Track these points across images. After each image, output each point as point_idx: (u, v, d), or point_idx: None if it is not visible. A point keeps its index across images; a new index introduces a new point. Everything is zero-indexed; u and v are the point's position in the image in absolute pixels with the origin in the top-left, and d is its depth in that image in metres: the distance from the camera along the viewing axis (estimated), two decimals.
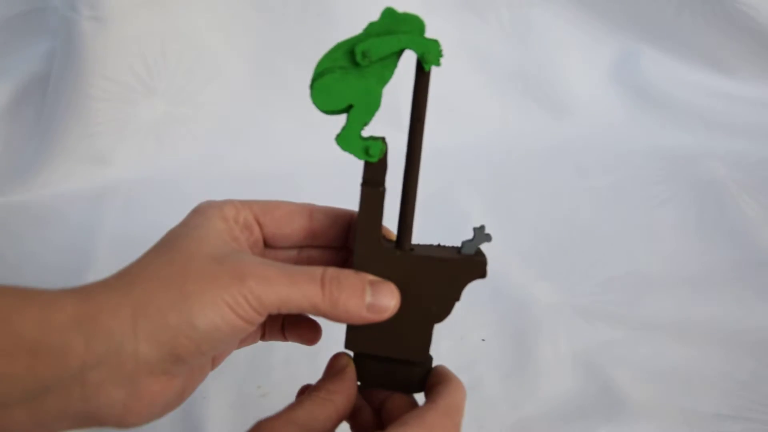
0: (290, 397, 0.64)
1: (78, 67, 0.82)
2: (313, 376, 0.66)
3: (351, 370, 0.42)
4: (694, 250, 0.83)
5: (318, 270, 0.36)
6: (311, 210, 0.43)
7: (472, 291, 0.76)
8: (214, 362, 0.42)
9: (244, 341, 0.44)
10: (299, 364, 0.68)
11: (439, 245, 0.41)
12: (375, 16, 0.36)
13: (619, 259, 0.81)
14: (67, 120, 0.86)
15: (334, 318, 0.37)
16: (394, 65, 0.37)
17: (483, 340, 0.71)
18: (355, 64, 0.36)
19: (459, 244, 0.41)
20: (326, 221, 0.42)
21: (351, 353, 0.43)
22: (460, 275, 0.40)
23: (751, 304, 0.74)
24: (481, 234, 0.40)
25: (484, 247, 0.41)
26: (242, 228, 0.40)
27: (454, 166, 0.97)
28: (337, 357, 0.43)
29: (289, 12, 0.94)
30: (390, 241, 0.41)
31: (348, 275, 0.37)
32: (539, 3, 1.05)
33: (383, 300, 0.38)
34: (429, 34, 0.36)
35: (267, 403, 0.64)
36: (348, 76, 0.36)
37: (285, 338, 0.46)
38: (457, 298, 0.41)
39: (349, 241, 0.43)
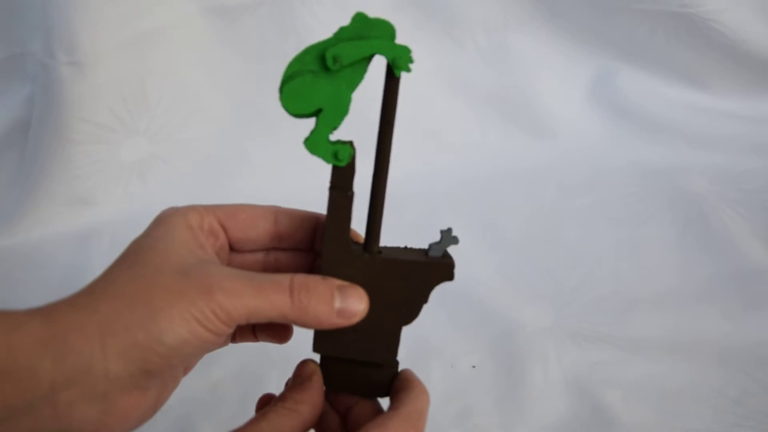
0: None
1: (58, 112, 0.83)
2: None
3: (317, 379, 0.42)
4: (678, 266, 0.83)
5: (286, 278, 0.36)
6: (276, 213, 0.42)
7: (461, 317, 0.76)
8: (186, 369, 0.42)
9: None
10: None
11: (406, 247, 0.42)
12: None
13: (604, 278, 0.82)
14: (50, 164, 0.86)
15: (304, 325, 0.37)
16: (365, 70, 0.37)
17: (473, 367, 0.71)
18: (326, 68, 0.36)
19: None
20: (291, 224, 0.42)
21: (317, 360, 0.43)
22: (427, 278, 0.40)
23: (738, 318, 0.75)
24: (448, 236, 0.40)
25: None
26: (207, 234, 0.40)
27: (438, 191, 0.98)
28: (303, 364, 0.43)
29: (268, 45, 0.94)
30: (358, 243, 0.41)
31: (316, 282, 0.37)
32: (514, 26, 1.06)
33: (352, 304, 0.38)
34: None
35: None
36: (318, 80, 0.36)
37: (256, 339, 0.45)
38: (425, 301, 0.41)
39: (316, 243, 0.43)
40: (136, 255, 0.36)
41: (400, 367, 0.43)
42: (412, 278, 0.40)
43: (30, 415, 0.31)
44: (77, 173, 0.87)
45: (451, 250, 0.41)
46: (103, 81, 0.84)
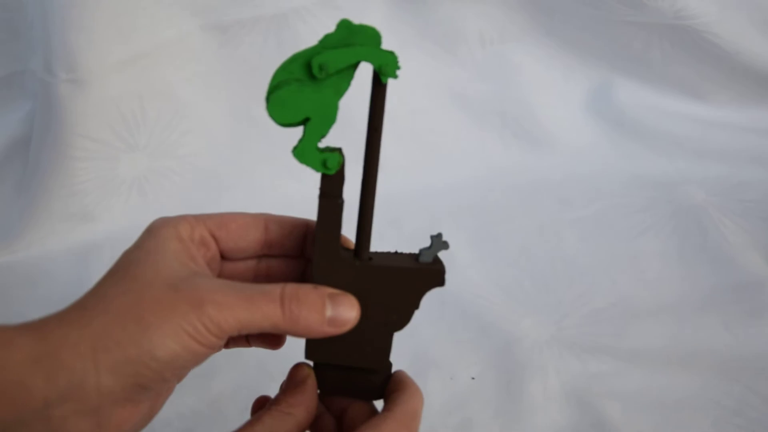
0: None
1: (58, 129, 0.83)
2: None
3: (311, 382, 0.42)
4: (677, 277, 0.83)
5: (276, 288, 0.36)
6: (266, 221, 0.42)
7: (460, 330, 0.77)
8: (179, 378, 0.41)
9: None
10: None
11: (396, 252, 0.41)
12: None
13: (604, 290, 0.82)
14: (50, 180, 0.86)
15: (295, 334, 0.37)
16: (351, 77, 0.37)
17: (473, 378, 0.71)
18: (312, 76, 0.36)
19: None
20: (281, 232, 0.42)
21: (311, 363, 0.43)
22: (418, 284, 0.40)
23: (736, 329, 0.75)
24: (438, 242, 0.40)
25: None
26: (198, 245, 0.40)
27: (437, 203, 0.98)
28: (297, 368, 0.43)
29: (266, 61, 0.95)
30: (349, 249, 0.41)
31: (307, 291, 0.37)
32: (511, 40, 1.06)
33: (343, 313, 0.38)
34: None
35: None
36: (304, 89, 0.36)
37: (249, 344, 0.45)
38: (416, 307, 0.41)
39: (307, 249, 0.43)
40: (127, 268, 0.36)
41: (395, 369, 0.44)
42: (402, 285, 0.40)
43: (23, 430, 0.31)
44: (77, 189, 0.88)
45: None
46: (102, 98, 0.84)
